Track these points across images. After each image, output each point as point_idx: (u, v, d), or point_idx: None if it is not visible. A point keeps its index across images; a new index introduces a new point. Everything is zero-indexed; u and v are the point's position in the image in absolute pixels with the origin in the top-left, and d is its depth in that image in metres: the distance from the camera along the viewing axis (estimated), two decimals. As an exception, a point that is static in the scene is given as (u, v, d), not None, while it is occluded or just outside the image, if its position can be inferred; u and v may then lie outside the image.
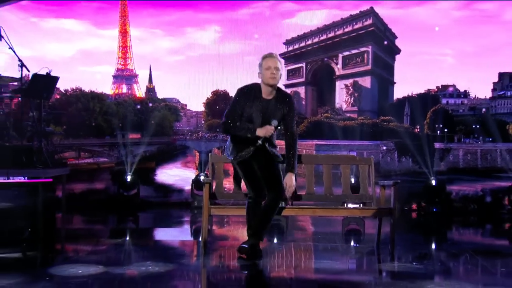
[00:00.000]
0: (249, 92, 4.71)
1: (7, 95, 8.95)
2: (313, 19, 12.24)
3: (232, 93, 13.30)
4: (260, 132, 4.73)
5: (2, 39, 8.76)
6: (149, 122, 12.01)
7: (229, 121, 4.69)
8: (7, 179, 7.56)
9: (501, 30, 12.33)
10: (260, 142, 4.84)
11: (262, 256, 5.12)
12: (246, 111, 4.71)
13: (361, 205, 6.27)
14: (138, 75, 12.55)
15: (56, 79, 10.21)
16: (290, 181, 4.89)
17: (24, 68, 9.94)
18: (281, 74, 4.71)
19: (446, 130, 11.93)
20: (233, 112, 4.67)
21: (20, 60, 9.22)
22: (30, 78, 10.25)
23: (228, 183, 7.96)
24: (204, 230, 5.64)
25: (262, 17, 12.26)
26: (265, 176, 4.92)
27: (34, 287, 4.99)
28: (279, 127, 4.92)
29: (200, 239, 8.12)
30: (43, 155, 9.46)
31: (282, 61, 5.57)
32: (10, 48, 8.50)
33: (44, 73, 10.09)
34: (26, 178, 8.17)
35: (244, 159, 4.92)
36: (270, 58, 4.70)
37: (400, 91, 12.44)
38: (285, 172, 4.99)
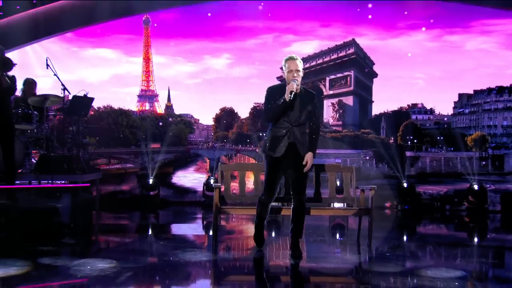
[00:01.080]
0: (277, 90, 5.08)
1: (52, 113, 9.32)
2: (306, 48, 12.35)
3: (237, 109, 13.63)
4: (289, 87, 4.96)
5: (48, 67, 9.10)
6: (168, 134, 12.08)
7: (267, 111, 5.07)
8: (52, 183, 7.85)
9: (462, 59, 12.50)
10: (291, 96, 4.96)
11: (301, 256, 5.37)
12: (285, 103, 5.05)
13: (344, 205, 6.52)
14: (158, 95, 12.65)
15: (91, 99, 10.51)
16: (310, 158, 5.07)
17: (65, 91, 10.34)
18: (302, 72, 5.17)
19: (415, 141, 11.97)
20: (268, 105, 5.05)
21: (62, 84, 9.38)
22: (70, 99, 10.57)
23: (235, 188, 8.22)
24: (214, 225, 6.05)
25: (266, 46, 12.47)
26: (292, 178, 5.21)
27: (76, 272, 4.96)
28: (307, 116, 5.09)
29: (211, 232, 8.43)
30: (81, 162, 9.78)
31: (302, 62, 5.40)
32: (55, 75, 8.86)
33: (82, 95, 10.35)
34: (67, 182, 8.47)
35: (276, 158, 5.14)
36: (291, 61, 5.05)
37: (377, 108, 12.47)
38: (307, 151, 5.17)
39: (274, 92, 5.04)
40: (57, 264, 5.42)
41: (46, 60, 9.08)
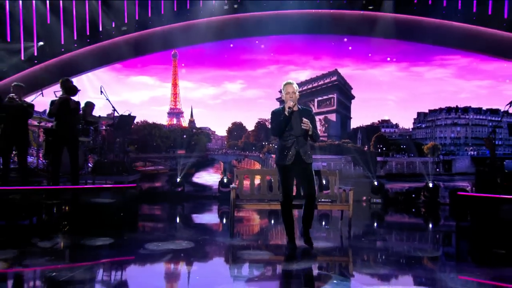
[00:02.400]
0: (279, 111, 5.17)
1: (103, 128, 9.98)
2: (301, 76, 12.62)
3: (245, 123, 13.72)
4: (287, 105, 5.12)
5: (102, 93, 9.51)
6: (190, 143, 12.23)
7: (273, 127, 5.26)
8: (106, 184, 8.24)
9: (423, 85, 12.64)
10: (289, 110, 5.11)
11: (312, 244, 5.45)
12: (284, 123, 5.13)
13: (330, 201, 6.81)
14: (183, 112, 12.68)
15: (134, 118, 11.01)
16: (308, 124, 5.06)
17: (115, 111, 10.58)
18: (298, 94, 5.29)
19: (384, 148, 12.18)
20: (273, 124, 5.22)
21: (113, 107, 9.75)
22: (118, 117, 10.95)
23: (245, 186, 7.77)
24: (231, 215, 6.63)
25: (270, 74, 12.68)
26: (302, 180, 5.38)
27: (125, 252, 5.81)
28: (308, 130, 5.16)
29: (224, 220, 8.81)
30: (126, 166, 10.24)
31: (297, 86, 5.49)
32: (107, 99, 9.32)
33: (127, 114, 10.83)
34: (113, 182, 8.70)
35: (285, 165, 5.26)
36: (289, 85, 5.24)
37: (354, 123, 12.54)
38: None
39: (277, 114, 5.19)
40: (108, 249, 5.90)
41: (101, 88, 9.52)
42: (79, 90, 8.04)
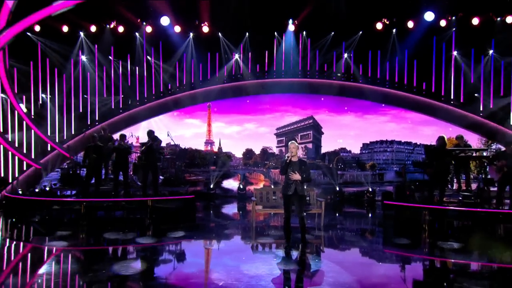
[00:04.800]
0: (284, 161, 5.23)
1: (168, 156, 10.86)
2: (294, 118, 13.04)
3: (255, 149, 13.72)
4: (292, 176, 5.19)
5: (169, 136, 10.73)
6: (219, 162, 12.55)
7: (281, 169, 5.33)
8: (168, 196, 8.41)
9: (370, 126, 12.73)
10: (287, 159, 5.16)
11: (307, 244, 5.46)
12: (286, 169, 5.22)
13: (310, 207, 7.13)
14: (214, 142, 12.84)
15: (188, 149, 12.05)
16: (297, 176, 5.16)
17: (177, 147, 11.62)
18: (298, 149, 5.31)
19: (342, 166, 12.42)
20: (282, 167, 5.28)
21: (175, 143, 11.02)
22: (179, 150, 12.05)
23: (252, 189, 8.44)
24: (253, 215, 7.23)
25: (275, 117, 13.04)
26: (296, 205, 5.35)
27: (185, 239, 6.43)
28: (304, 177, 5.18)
29: (241, 211, 9.82)
30: (181, 180, 11.42)
31: (298, 145, 5.52)
32: (171, 139, 10.45)
33: (183, 147, 11.98)
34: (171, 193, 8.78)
35: (287, 195, 5.33)
36: (291, 143, 5.32)
37: (324, 149, 12.80)
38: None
39: (283, 161, 5.41)
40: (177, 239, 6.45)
41: (167, 132, 10.71)
42: (161, 140, 8.76)
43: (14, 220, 8.02)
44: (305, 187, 5.40)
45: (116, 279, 4.24)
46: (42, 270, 4.75)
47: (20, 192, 9.07)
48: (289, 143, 5.28)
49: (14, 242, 6.45)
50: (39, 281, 4.27)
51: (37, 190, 9.57)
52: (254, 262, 4.87)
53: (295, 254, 5.28)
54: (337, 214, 9.51)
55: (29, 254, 5.82)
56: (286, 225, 5.35)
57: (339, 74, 11.72)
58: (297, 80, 11.85)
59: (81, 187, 8.48)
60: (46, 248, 6.01)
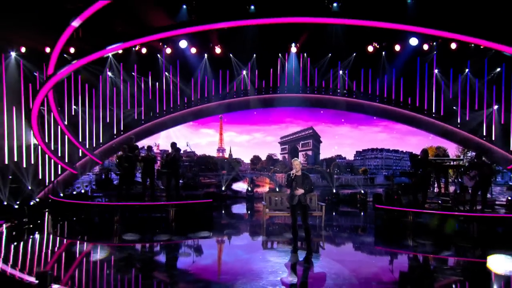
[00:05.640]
0: (289, 174, 5.37)
1: (186, 163, 11.56)
2: (296, 129, 13.33)
3: (261, 156, 13.94)
4: (296, 191, 5.31)
5: (188, 146, 11.24)
6: (230, 166, 12.89)
7: (286, 183, 5.41)
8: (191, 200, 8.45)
9: (364, 136, 13.22)
10: (291, 175, 5.28)
11: (312, 252, 5.42)
12: (291, 182, 5.34)
13: (312, 210, 7.22)
14: (225, 149, 13.00)
15: (202, 156, 12.50)
16: (301, 191, 5.31)
17: (194, 153, 12.16)
18: (301, 165, 5.37)
19: (338, 170, 12.66)
20: (288, 181, 5.36)
21: (194, 152, 11.62)
22: (197, 157, 12.46)
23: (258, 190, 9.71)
24: (263, 216, 7.49)
25: (280, 127, 13.33)
26: (301, 215, 5.51)
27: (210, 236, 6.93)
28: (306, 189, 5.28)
29: (248, 212, 10.03)
30: (198, 184, 11.93)
31: (300, 161, 5.53)
32: (190, 148, 11.00)
33: (198, 154, 12.38)
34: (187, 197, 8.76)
35: (293, 205, 5.50)
36: (294, 161, 5.43)
37: (322, 156, 13.07)
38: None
39: (289, 176, 5.46)
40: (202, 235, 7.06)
41: (187, 143, 11.42)
42: (180, 149, 9.07)
43: (60, 219, 8.54)
44: (307, 196, 5.60)
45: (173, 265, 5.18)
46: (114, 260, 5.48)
47: (61, 194, 9.52)
48: (293, 160, 5.47)
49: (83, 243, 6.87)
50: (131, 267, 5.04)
51: (75, 192, 10.14)
52: (267, 255, 5.55)
53: (300, 252, 5.65)
54: (334, 213, 9.87)
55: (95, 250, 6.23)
56: (293, 228, 5.56)
57: (339, 91, 12.12)
58: (299, 95, 12.26)
59: (115, 191, 9.00)
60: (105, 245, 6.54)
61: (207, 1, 9.84)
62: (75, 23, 6.71)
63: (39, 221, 8.27)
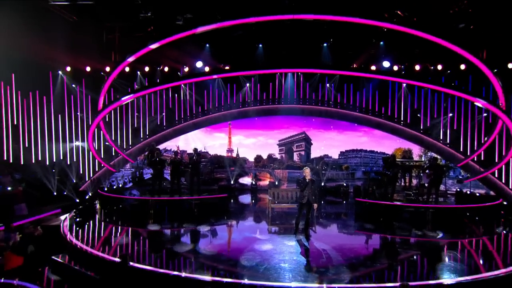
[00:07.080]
0: (298, 179, 6.12)
1: (204, 163, 11.29)
2: (294, 132, 13.26)
3: (263, 155, 14.00)
4: (314, 206, 5.59)
5: (205, 149, 11.81)
6: (237, 164, 13.10)
7: (301, 188, 5.77)
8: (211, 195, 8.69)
9: (348, 140, 13.28)
10: (306, 181, 5.61)
11: (310, 236, 5.84)
12: (302, 185, 5.69)
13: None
14: (233, 149, 13.13)
15: (215, 155, 12.95)
16: (316, 206, 5.82)
17: (210, 155, 12.38)
18: (310, 173, 5.74)
19: (325, 167, 12.68)
20: (302, 185, 5.71)
21: (209, 154, 12.29)
22: (212, 157, 12.60)
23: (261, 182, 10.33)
24: (268, 207, 7.64)
25: (280, 132, 13.34)
26: (306, 210, 5.95)
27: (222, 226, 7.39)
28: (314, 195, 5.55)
29: (254, 200, 10.66)
30: (213, 179, 12.02)
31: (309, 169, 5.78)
32: (206, 151, 11.68)
33: (211, 154, 12.75)
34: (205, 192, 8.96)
35: (301, 203, 5.98)
36: (305, 169, 5.89)
37: (312, 156, 13.03)
38: (314, 202, 5.79)
39: (303, 181, 5.86)
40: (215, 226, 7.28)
41: (204, 146, 12.21)
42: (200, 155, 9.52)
43: (108, 208, 8.90)
44: (313, 199, 6.08)
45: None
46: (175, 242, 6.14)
47: (106, 189, 10.14)
48: (304, 168, 5.95)
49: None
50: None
51: (114, 186, 10.94)
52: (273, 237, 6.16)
53: (300, 236, 6.32)
54: (322, 202, 10.23)
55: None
56: (297, 220, 6.15)
57: (330, 102, 12.59)
58: (294, 106, 12.64)
59: (149, 188, 9.41)
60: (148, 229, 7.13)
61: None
62: (130, 59, 7.28)
63: (94, 211, 8.82)
